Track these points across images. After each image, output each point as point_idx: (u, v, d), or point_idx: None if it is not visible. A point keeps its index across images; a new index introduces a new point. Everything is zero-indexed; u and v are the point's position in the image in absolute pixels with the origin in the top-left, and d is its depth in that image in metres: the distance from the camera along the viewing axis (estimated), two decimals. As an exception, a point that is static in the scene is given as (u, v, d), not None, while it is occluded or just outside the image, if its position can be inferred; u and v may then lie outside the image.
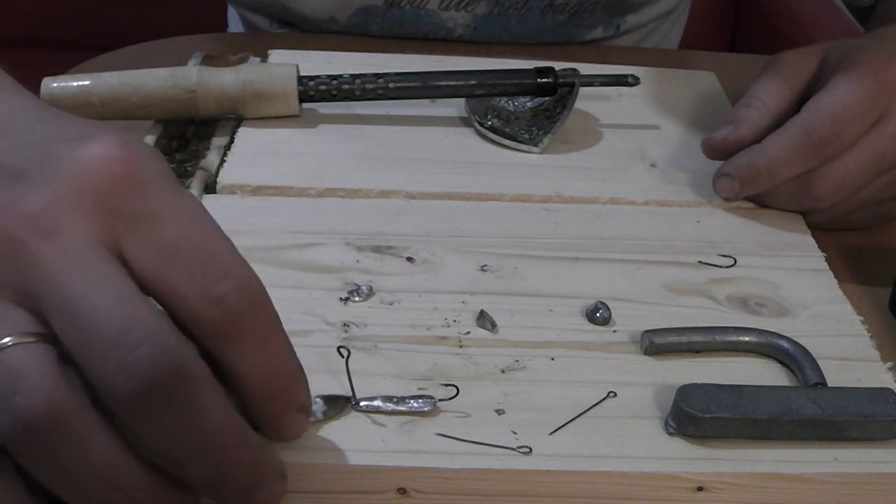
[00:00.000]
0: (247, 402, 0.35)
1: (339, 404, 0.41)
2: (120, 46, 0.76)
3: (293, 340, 0.44)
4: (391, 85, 0.63)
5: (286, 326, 0.45)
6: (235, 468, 0.33)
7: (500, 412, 0.42)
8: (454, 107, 0.66)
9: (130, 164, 0.33)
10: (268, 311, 0.34)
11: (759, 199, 0.57)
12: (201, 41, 0.77)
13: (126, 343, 0.30)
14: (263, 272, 0.49)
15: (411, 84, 0.63)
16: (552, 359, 0.45)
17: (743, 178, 0.55)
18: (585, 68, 0.65)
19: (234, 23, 0.96)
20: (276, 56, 0.71)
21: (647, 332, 0.46)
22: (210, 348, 0.34)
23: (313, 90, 0.62)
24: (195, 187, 0.55)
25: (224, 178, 0.57)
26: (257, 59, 0.70)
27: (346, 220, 0.54)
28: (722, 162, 0.57)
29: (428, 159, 0.60)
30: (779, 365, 0.46)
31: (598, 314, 0.47)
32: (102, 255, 0.32)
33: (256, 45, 0.74)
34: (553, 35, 0.82)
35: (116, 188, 0.33)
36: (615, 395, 0.43)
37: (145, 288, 0.33)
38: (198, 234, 0.33)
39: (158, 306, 0.33)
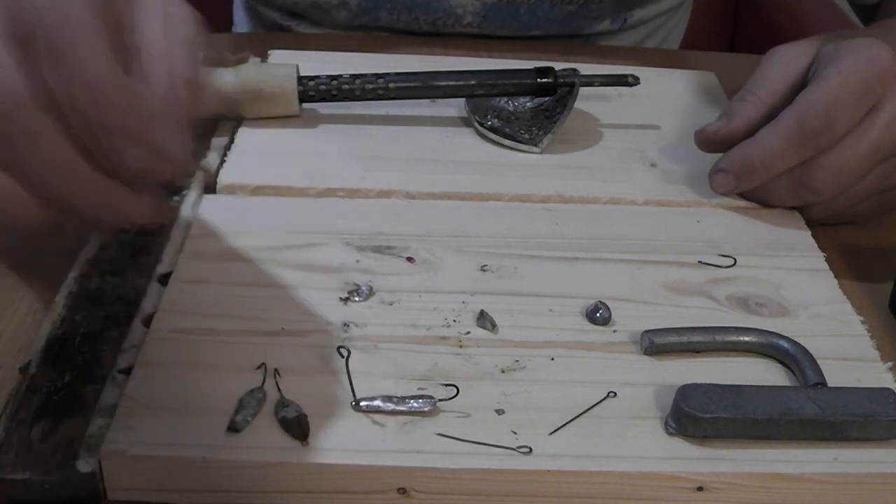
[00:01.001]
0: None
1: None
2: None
3: (293, 340, 0.45)
4: (391, 85, 0.63)
5: (286, 326, 0.45)
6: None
7: (500, 412, 0.42)
8: (454, 107, 0.66)
9: None
10: (75, 22, 0.34)
11: (759, 196, 0.57)
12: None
13: None
14: (264, 272, 0.49)
15: (411, 84, 0.63)
16: (552, 359, 0.45)
17: (738, 172, 0.55)
18: (585, 68, 0.65)
19: (240, 21, 0.96)
20: (276, 56, 0.71)
21: (647, 332, 0.46)
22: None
23: (313, 90, 0.62)
24: (195, 187, 0.55)
25: (224, 178, 0.57)
26: (257, 59, 0.70)
27: (346, 220, 0.54)
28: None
29: (428, 159, 0.60)
30: (779, 365, 0.46)
31: (598, 314, 0.47)
32: None
33: (256, 45, 0.74)
34: (561, 26, 0.82)
35: None
36: (615, 395, 0.43)
37: None
38: None
39: None
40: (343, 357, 0.42)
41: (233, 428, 0.39)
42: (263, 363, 0.43)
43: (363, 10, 0.81)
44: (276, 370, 0.42)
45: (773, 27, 1.26)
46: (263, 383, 0.41)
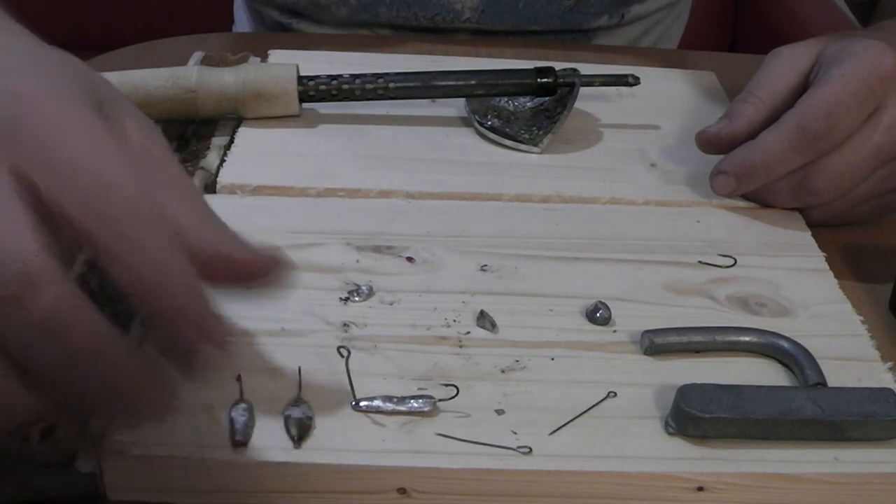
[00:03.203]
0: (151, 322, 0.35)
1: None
2: (120, 46, 0.76)
3: (293, 340, 0.45)
4: (391, 85, 0.63)
5: (286, 326, 0.45)
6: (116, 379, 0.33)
7: (500, 412, 0.42)
8: (454, 107, 0.66)
9: (32, 99, 0.34)
10: (138, 216, 0.34)
11: (760, 198, 0.57)
12: (201, 41, 0.77)
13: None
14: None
15: (411, 84, 0.63)
16: (552, 359, 0.45)
17: (739, 174, 0.55)
18: (585, 68, 0.65)
19: (241, 20, 0.96)
20: (276, 56, 0.71)
21: (647, 332, 0.46)
22: (100, 262, 0.34)
23: (313, 90, 0.62)
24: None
25: (224, 177, 0.57)
26: (257, 59, 0.70)
27: (346, 220, 0.54)
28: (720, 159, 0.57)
29: (428, 159, 0.60)
30: (779, 365, 0.46)
31: (598, 314, 0.47)
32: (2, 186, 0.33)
33: (256, 45, 0.74)
34: (559, 21, 0.82)
35: (16, 123, 0.34)
36: (615, 395, 0.43)
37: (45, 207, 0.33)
38: (75, 149, 0.34)
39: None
40: (343, 357, 0.42)
41: (239, 444, 0.39)
42: (239, 375, 0.42)
43: (362, 7, 0.81)
44: (299, 368, 0.42)
45: (773, 27, 1.26)
46: (241, 393, 0.41)
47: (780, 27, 1.26)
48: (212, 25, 0.88)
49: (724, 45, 1.40)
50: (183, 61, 0.66)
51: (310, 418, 0.40)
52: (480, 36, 0.82)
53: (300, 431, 0.39)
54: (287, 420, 0.40)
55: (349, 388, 0.41)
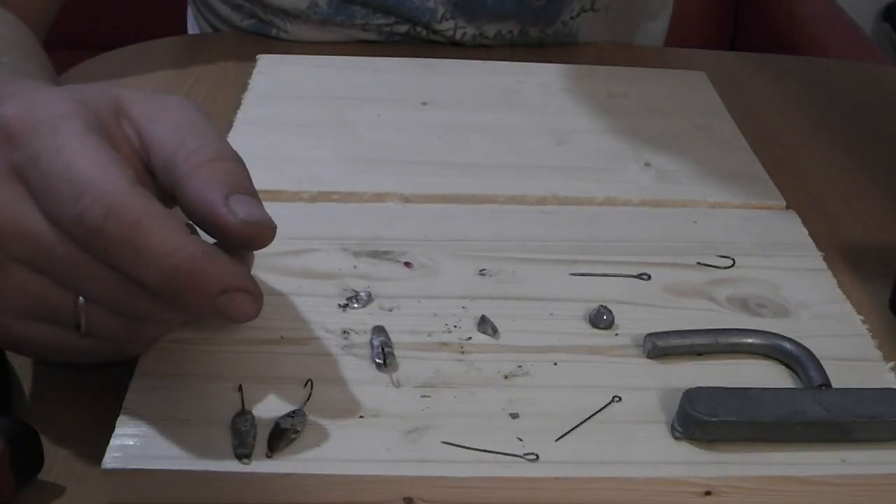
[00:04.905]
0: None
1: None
2: (120, 46, 0.76)
3: (292, 349, 0.44)
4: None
5: (286, 334, 0.45)
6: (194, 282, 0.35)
7: (508, 417, 0.41)
8: (450, 108, 0.65)
9: (17, 120, 0.37)
10: (130, 217, 0.35)
11: None
12: (200, 41, 0.77)
13: None
14: (260, 280, 0.48)
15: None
16: (555, 364, 0.44)
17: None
18: (584, 68, 0.64)
19: (193, 26, 0.93)
20: (265, 60, 0.70)
21: (649, 335, 0.45)
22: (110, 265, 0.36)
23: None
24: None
25: (218, 183, 0.56)
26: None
27: (341, 224, 0.53)
28: (717, 168, 0.55)
29: (422, 161, 0.60)
30: (781, 366, 0.45)
31: (602, 318, 0.46)
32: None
33: (254, 46, 0.73)
34: (534, 18, 0.80)
35: (6, 140, 0.37)
36: (620, 399, 0.42)
37: None
38: (60, 166, 0.36)
39: None
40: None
41: (243, 457, 0.38)
42: (240, 384, 0.42)
43: (336, 9, 0.78)
44: (309, 381, 0.42)
45: (773, 25, 1.26)
46: (243, 404, 0.41)
47: (780, 27, 1.26)
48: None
49: (724, 44, 1.40)
50: (183, 61, 0.65)
51: (293, 431, 0.39)
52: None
53: (279, 440, 0.39)
54: (275, 427, 0.39)
55: (353, 396, 0.41)
